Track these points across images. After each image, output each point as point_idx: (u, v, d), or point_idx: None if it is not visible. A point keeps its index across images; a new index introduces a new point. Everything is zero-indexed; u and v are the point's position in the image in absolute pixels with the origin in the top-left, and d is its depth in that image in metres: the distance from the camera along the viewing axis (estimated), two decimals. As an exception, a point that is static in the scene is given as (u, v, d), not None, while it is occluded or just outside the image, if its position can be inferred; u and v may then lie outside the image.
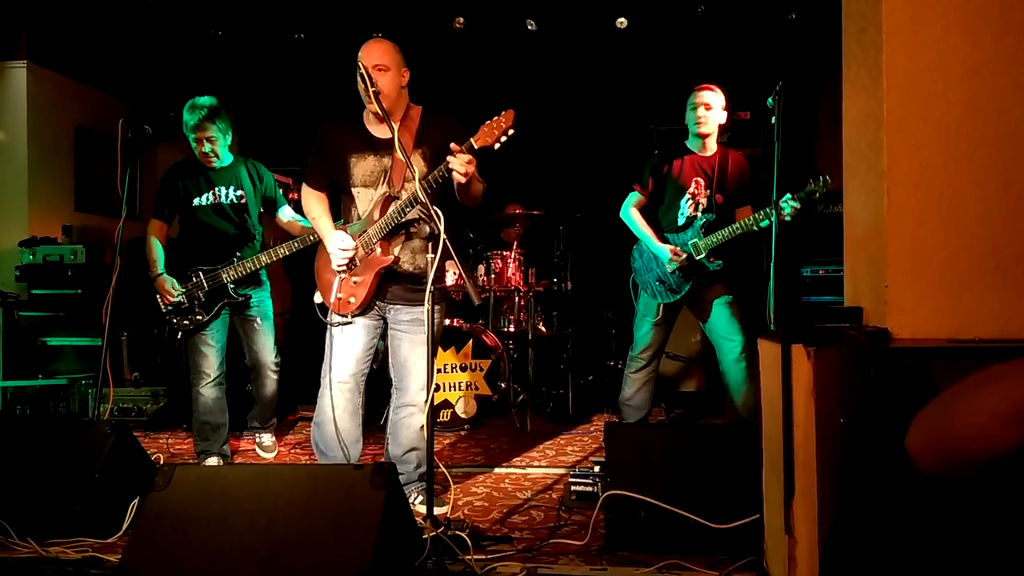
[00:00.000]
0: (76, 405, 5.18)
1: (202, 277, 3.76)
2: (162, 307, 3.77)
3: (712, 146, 3.87)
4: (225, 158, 3.85)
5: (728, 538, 2.41)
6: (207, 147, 3.75)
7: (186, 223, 3.88)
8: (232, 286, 3.77)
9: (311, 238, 3.60)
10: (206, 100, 3.76)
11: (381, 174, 3.01)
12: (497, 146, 2.73)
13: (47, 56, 5.88)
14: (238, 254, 3.82)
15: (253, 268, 3.78)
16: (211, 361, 3.77)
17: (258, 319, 3.93)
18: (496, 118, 2.72)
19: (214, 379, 3.78)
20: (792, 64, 5.73)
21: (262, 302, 3.95)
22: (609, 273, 5.75)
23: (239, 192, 3.86)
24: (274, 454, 4.24)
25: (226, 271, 3.76)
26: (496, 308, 5.40)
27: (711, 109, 3.79)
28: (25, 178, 5.72)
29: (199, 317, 3.75)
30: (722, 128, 3.90)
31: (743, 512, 2.39)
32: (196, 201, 3.82)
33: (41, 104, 5.84)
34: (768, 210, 3.58)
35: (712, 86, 3.84)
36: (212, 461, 3.74)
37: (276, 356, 4.02)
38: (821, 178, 3.49)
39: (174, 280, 3.74)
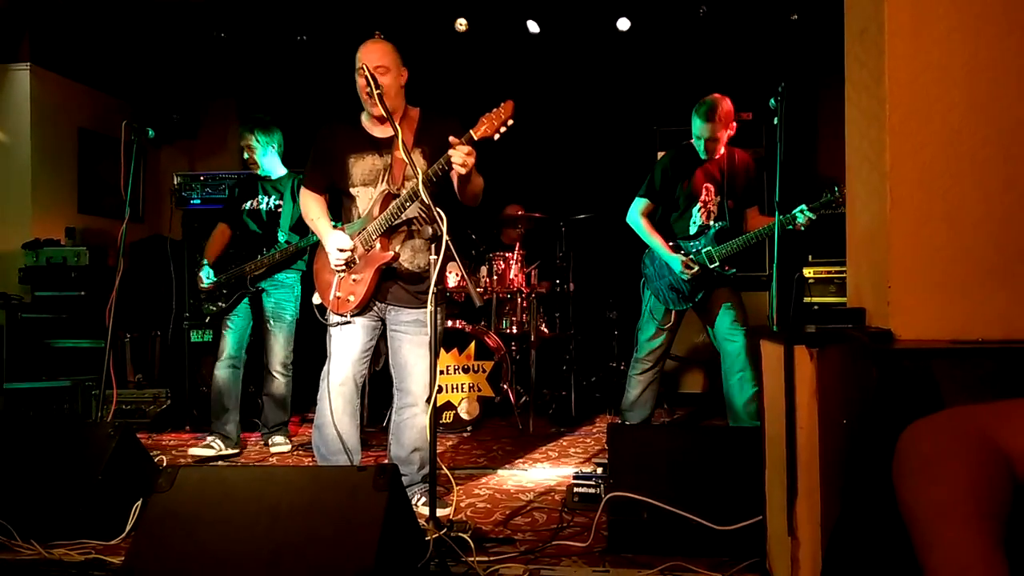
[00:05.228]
0: (79, 407, 5.18)
1: (232, 270, 4.26)
2: (200, 292, 4.32)
3: (720, 148, 3.86)
4: (270, 170, 4.34)
5: (731, 540, 2.40)
6: (246, 154, 4.31)
7: (237, 223, 4.40)
8: (249, 279, 4.20)
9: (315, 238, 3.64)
10: (258, 115, 4.36)
11: (381, 172, 3.01)
12: (497, 136, 2.73)
13: (50, 58, 5.90)
14: (264, 251, 4.24)
15: (270, 263, 4.19)
16: (227, 342, 4.23)
17: (271, 320, 4.28)
18: (496, 109, 2.73)
19: (227, 359, 4.21)
20: (794, 65, 5.72)
21: (278, 304, 4.29)
22: (612, 274, 5.75)
23: (278, 202, 4.34)
24: (287, 448, 4.34)
25: (249, 265, 4.22)
26: (498, 310, 5.40)
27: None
28: (28, 180, 5.74)
29: (221, 304, 4.24)
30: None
31: (746, 514, 2.39)
32: (244, 205, 4.37)
33: (44, 106, 5.85)
34: (785, 219, 3.59)
35: (724, 96, 3.82)
36: (210, 439, 4.16)
37: (285, 358, 4.33)
38: (836, 188, 3.47)
39: (211, 271, 4.26)
